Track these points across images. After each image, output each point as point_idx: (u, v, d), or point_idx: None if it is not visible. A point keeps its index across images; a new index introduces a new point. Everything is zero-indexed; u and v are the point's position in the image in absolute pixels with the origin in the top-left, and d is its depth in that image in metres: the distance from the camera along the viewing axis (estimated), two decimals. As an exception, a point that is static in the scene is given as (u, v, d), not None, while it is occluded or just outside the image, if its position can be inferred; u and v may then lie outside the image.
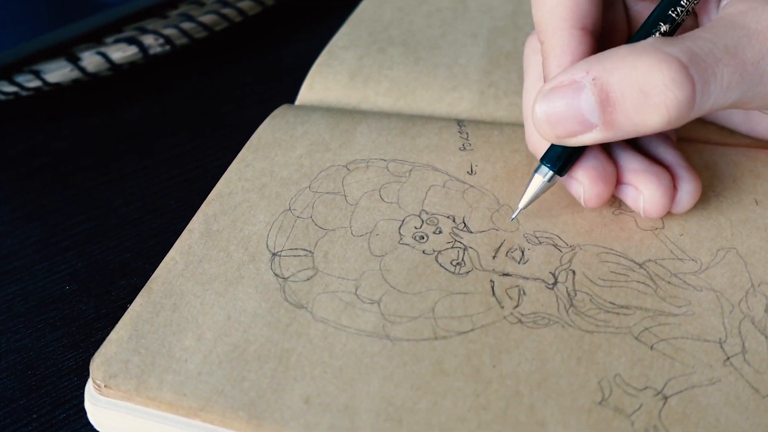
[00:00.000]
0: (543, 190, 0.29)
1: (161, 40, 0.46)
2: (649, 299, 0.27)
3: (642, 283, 0.28)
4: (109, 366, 0.26)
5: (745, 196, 0.31)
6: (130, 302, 0.33)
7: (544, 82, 0.29)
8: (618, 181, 0.29)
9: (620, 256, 0.29)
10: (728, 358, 0.25)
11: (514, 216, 0.30)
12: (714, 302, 0.27)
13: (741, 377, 0.25)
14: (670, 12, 0.28)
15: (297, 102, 0.42)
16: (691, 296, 0.28)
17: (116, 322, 0.32)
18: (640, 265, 0.29)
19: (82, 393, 0.28)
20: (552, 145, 0.29)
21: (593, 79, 0.25)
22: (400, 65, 0.42)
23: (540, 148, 0.30)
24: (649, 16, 0.28)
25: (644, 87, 0.25)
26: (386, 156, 0.34)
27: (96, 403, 0.27)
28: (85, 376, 0.30)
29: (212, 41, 0.50)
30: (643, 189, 0.29)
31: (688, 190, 0.29)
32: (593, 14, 0.29)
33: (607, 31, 0.31)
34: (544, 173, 0.29)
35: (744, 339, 0.26)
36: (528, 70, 0.32)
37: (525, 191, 0.30)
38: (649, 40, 0.26)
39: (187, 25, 0.47)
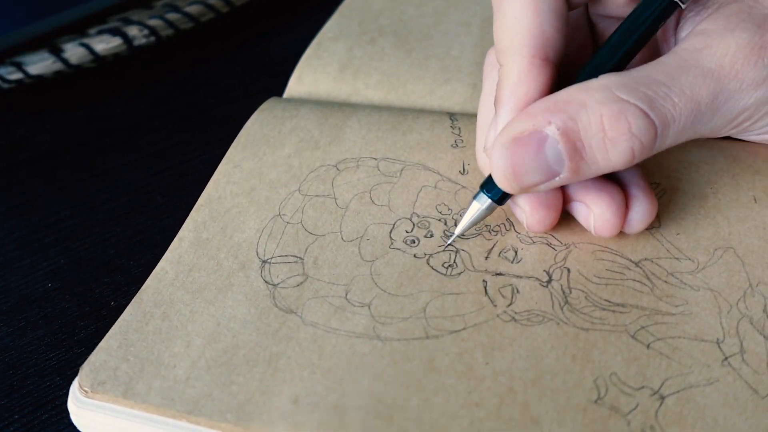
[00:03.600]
0: (482, 217, 0.29)
1: (146, 32, 0.46)
2: (646, 298, 0.27)
3: (638, 281, 0.28)
4: (98, 374, 0.27)
5: (744, 193, 0.31)
6: (115, 300, 0.33)
7: (495, 105, 0.28)
8: (569, 198, 0.29)
9: (616, 254, 0.29)
10: (726, 358, 0.25)
11: (449, 243, 0.30)
12: (711, 302, 0.27)
13: (739, 377, 0.25)
14: (626, 40, 0.27)
15: (285, 95, 0.41)
16: (688, 295, 0.27)
17: (100, 320, 0.32)
18: (636, 264, 0.28)
19: (65, 393, 0.28)
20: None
21: (558, 129, 0.25)
22: (391, 57, 0.41)
23: (487, 166, 0.29)
24: (602, 46, 0.28)
25: (611, 135, 0.25)
26: (377, 154, 0.34)
27: (79, 404, 0.27)
28: (68, 375, 0.30)
29: (198, 32, 0.50)
30: (593, 207, 0.28)
31: (640, 210, 0.28)
32: (557, 43, 0.27)
33: (569, 51, 0.30)
34: (483, 201, 0.29)
35: (742, 339, 0.26)
36: (485, 83, 0.32)
37: (462, 217, 0.29)
38: (603, 80, 0.25)
39: (172, 16, 0.47)
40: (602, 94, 0.25)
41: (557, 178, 0.26)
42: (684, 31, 0.28)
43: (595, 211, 0.28)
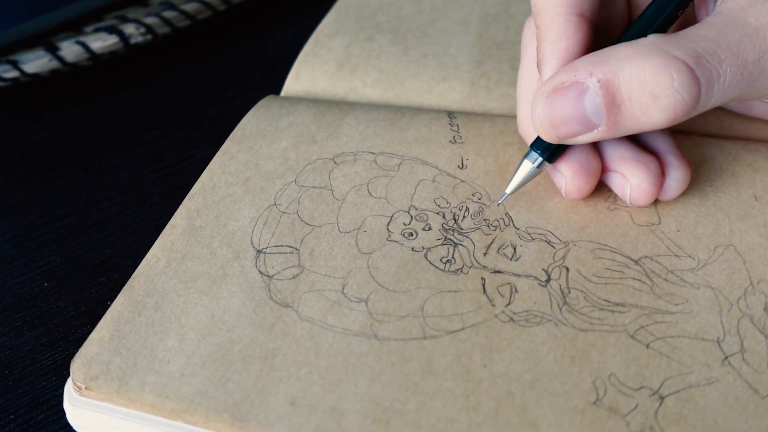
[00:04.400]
0: (531, 177, 0.29)
1: (142, 29, 0.46)
2: (645, 297, 0.27)
3: (638, 280, 0.28)
4: (90, 367, 0.26)
5: (744, 191, 0.30)
6: (111, 299, 0.32)
7: (538, 66, 0.29)
8: (605, 168, 0.29)
9: (615, 252, 0.29)
10: (726, 358, 0.25)
11: (500, 200, 0.30)
12: (712, 300, 0.27)
13: (739, 377, 0.24)
14: (668, 5, 0.28)
15: (283, 93, 0.41)
16: (688, 294, 0.27)
17: (96, 320, 0.31)
18: (636, 262, 0.28)
19: (61, 393, 0.28)
20: None
21: (598, 81, 0.25)
22: (389, 54, 0.41)
23: (531, 133, 0.30)
24: (648, 7, 0.28)
25: (653, 89, 0.25)
26: (374, 149, 0.34)
27: (75, 404, 0.26)
28: (64, 375, 0.30)
29: (195, 30, 0.50)
30: (630, 177, 0.28)
31: (676, 177, 0.29)
32: (591, 1, 0.28)
33: (606, 18, 0.31)
34: (534, 159, 0.29)
35: (743, 338, 0.25)
36: (524, 53, 0.32)
37: (513, 176, 0.30)
38: (651, 38, 0.26)
39: (169, 14, 0.46)
40: (648, 48, 0.25)
41: (595, 131, 0.26)
42: None
43: (632, 182, 0.28)
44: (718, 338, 0.26)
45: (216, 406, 0.25)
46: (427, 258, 0.29)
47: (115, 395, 0.25)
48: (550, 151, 0.29)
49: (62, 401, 0.27)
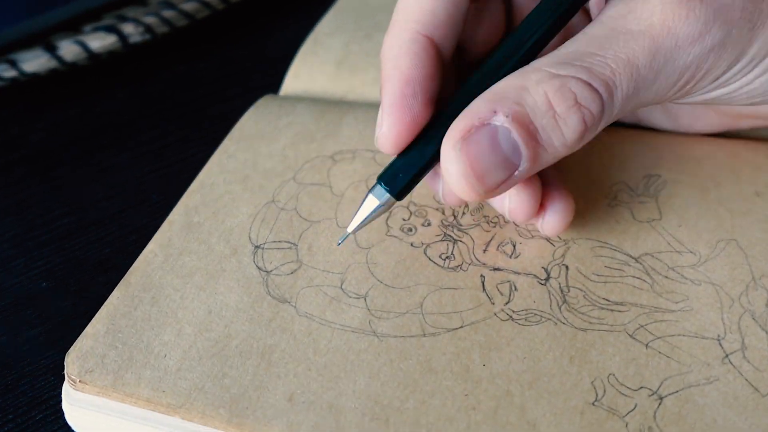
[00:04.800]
0: (378, 214, 0.26)
1: (141, 29, 0.45)
2: (645, 295, 0.27)
3: (638, 278, 0.27)
4: (85, 361, 0.26)
5: (746, 188, 0.30)
6: (109, 299, 0.32)
7: (381, 83, 0.26)
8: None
9: (615, 250, 0.28)
10: (727, 356, 0.25)
11: (341, 241, 0.28)
12: (713, 296, 0.27)
13: (740, 375, 0.24)
14: (545, 22, 0.26)
15: (281, 92, 0.41)
16: (689, 291, 0.27)
17: (95, 319, 0.31)
18: (636, 259, 0.28)
19: (60, 393, 0.28)
20: (393, 161, 0.26)
21: (506, 117, 0.24)
22: (388, 54, 0.41)
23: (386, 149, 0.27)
24: (524, 21, 0.26)
25: (559, 110, 0.24)
26: (373, 147, 0.34)
27: (74, 404, 0.26)
28: (62, 375, 0.30)
29: (194, 29, 0.50)
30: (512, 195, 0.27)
31: (556, 210, 0.28)
32: (446, 30, 0.27)
33: (478, 27, 0.29)
34: (381, 195, 0.26)
35: (744, 335, 0.25)
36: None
37: (356, 212, 0.27)
38: (536, 64, 0.25)
39: (168, 13, 0.46)
40: (538, 75, 0.24)
41: (517, 172, 0.24)
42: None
43: (511, 197, 0.27)
44: (719, 336, 0.25)
45: (213, 402, 0.25)
46: (426, 254, 0.29)
47: (110, 389, 0.25)
48: (401, 186, 0.26)
49: (61, 401, 0.27)
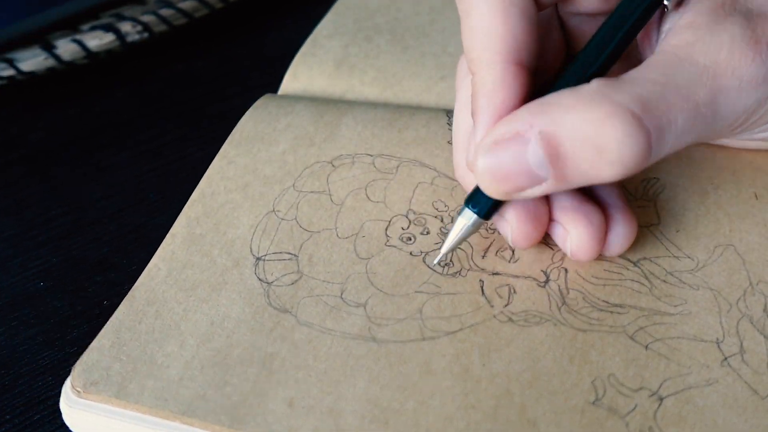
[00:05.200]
0: (469, 234, 0.27)
1: (139, 27, 0.45)
2: (644, 298, 0.27)
3: (636, 281, 0.27)
4: (90, 373, 0.26)
5: (745, 190, 0.30)
6: (108, 299, 0.32)
7: (473, 117, 0.27)
8: (549, 218, 0.27)
9: None
10: (726, 359, 0.25)
11: (436, 261, 0.29)
12: (711, 301, 0.27)
13: (739, 378, 0.24)
14: (610, 42, 0.26)
15: (280, 92, 0.41)
16: (687, 295, 0.27)
17: (92, 319, 0.32)
18: (635, 264, 0.28)
19: (57, 393, 0.28)
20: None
21: (539, 133, 0.23)
22: (387, 54, 0.41)
23: (468, 179, 0.28)
24: (587, 44, 0.26)
25: (597, 142, 0.23)
26: (372, 151, 0.34)
27: (72, 405, 0.26)
28: (60, 375, 0.30)
29: (192, 28, 0.49)
30: (571, 229, 0.27)
31: (619, 233, 0.27)
32: (529, 46, 0.26)
33: (542, 53, 0.28)
34: (469, 217, 0.27)
35: (742, 339, 0.25)
36: (459, 94, 0.30)
37: (448, 235, 0.28)
38: (594, 84, 0.24)
39: (166, 12, 0.46)
40: (591, 97, 0.23)
41: (543, 185, 0.24)
42: (666, 25, 0.26)
43: (571, 234, 0.27)
44: (717, 339, 0.25)
45: (214, 410, 0.25)
46: (425, 262, 0.29)
47: (113, 399, 0.26)
48: (487, 208, 0.27)
49: (59, 401, 0.27)
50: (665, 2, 0.25)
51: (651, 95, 0.23)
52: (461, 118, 0.29)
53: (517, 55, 0.26)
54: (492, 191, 0.25)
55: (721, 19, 0.24)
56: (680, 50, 0.24)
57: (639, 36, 0.28)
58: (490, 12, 0.26)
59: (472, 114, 0.26)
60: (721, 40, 0.24)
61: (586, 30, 0.29)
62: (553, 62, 0.30)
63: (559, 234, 0.27)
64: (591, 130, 0.23)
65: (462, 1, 0.27)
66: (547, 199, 0.27)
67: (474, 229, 0.27)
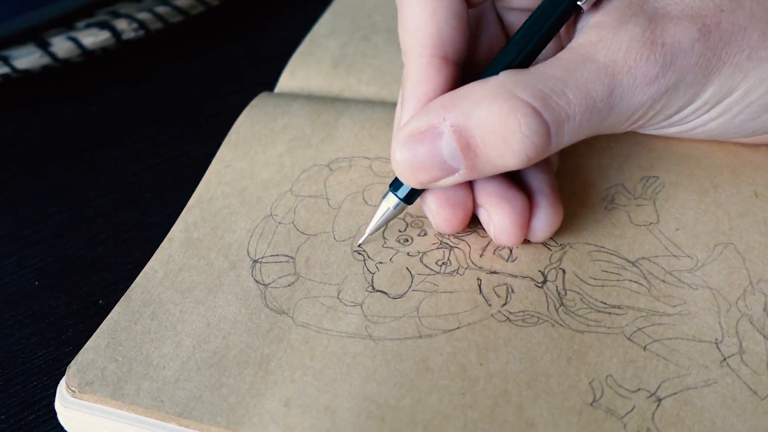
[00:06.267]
0: (391, 217, 0.29)
1: (135, 25, 0.45)
2: (643, 298, 0.27)
3: (635, 282, 0.27)
4: (85, 373, 0.26)
5: (745, 188, 0.30)
6: (103, 298, 0.32)
7: (401, 107, 0.28)
8: (475, 202, 0.28)
9: (612, 254, 0.28)
10: (725, 359, 0.25)
11: (360, 243, 0.30)
12: (710, 301, 0.27)
13: (738, 378, 0.24)
14: (529, 39, 0.27)
15: (277, 90, 0.41)
16: (686, 295, 0.27)
17: (88, 319, 0.31)
18: (633, 263, 0.28)
19: (52, 393, 0.28)
20: None
21: (451, 126, 0.25)
22: (384, 53, 0.41)
23: None
24: (510, 40, 0.28)
25: (503, 135, 0.25)
26: (369, 153, 0.34)
27: (67, 405, 0.26)
28: (55, 375, 0.30)
29: (188, 26, 0.49)
30: (493, 214, 0.28)
31: (542, 219, 0.28)
32: (456, 42, 0.28)
33: (478, 46, 0.30)
34: (392, 201, 0.29)
35: (741, 339, 0.25)
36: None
37: (372, 217, 0.29)
38: (501, 76, 0.25)
39: (161, 9, 0.46)
40: (497, 90, 0.25)
41: (456, 175, 0.26)
42: (581, 23, 0.28)
43: (493, 219, 0.28)
44: (717, 339, 0.25)
45: (210, 410, 0.25)
46: (422, 262, 0.29)
47: (109, 400, 0.26)
48: (408, 192, 0.28)
49: (53, 401, 0.27)
50: (579, 3, 0.27)
51: (551, 90, 0.25)
52: (398, 110, 0.30)
53: (442, 49, 0.27)
54: (409, 181, 0.27)
55: (626, 20, 0.26)
56: (584, 48, 0.26)
57: (562, 33, 0.30)
58: (420, 8, 0.27)
59: (400, 103, 0.28)
60: (621, 39, 0.26)
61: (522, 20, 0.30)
62: (491, 55, 0.31)
63: (483, 218, 0.29)
64: (497, 123, 0.25)
65: None
66: (470, 184, 0.28)
67: (397, 212, 0.29)
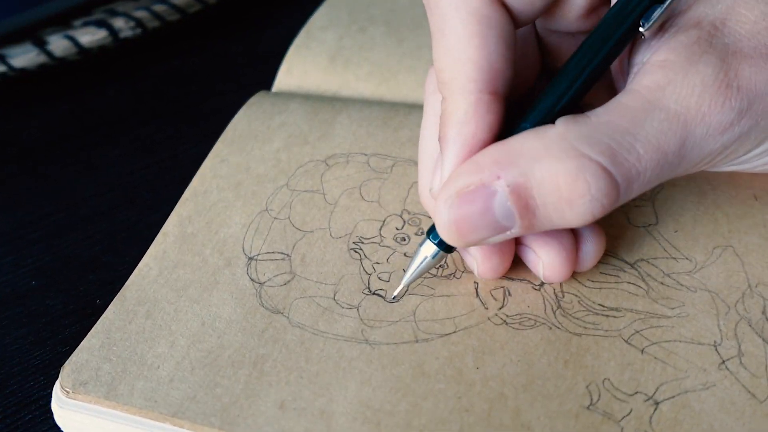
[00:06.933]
0: (431, 266, 0.27)
1: (132, 23, 0.45)
2: (641, 301, 0.27)
3: (633, 284, 0.27)
4: (79, 373, 0.26)
5: (743, 191, 0.30)
6: (100, 298, 0.32)
7: (440, 144, 0.25)
8: (518, 242, 0.27)
9: (610, 255, 0.28)
10: (723, 362, 0.25)
11: (395, 294, 0.28)
12: (709, 303, 0.26)
13: (737, 381, 0.24)
14: (581, 72, 0.24)
15: (274, 88, 0.40)
16: (684, 297, 0.27)
17: (85, 318, 0.31)
18: (632, 265, 0.28)
19: (49, 393, 0.27)
20: None
21: (508, 186, 0.23)
22: (382, 47, 0.41)
23: (432, 205, 0.27)
24: (560, 73, 0.25)
25: (568, 196, 0.23)
26: (367, 150, 0.33)
27: (63, 405, 0.26)
28: (52, 375, 0.30)
29: (186, 24, 0.49)
30: (542, 255, 0.26)
31: (589, 250, 0.27)
32: (506, 74, 0.24)
33: (519, 69, 0.27)
34: (430, 250, 0.27)
35: (740, 342, 0.25)
36: (427, 109, 0.28)
37: (409, 266, 0.27)
38: (560, 127, 0.23)
39: (159, 7, 0.46)
40: (559, 146, 0.22)
41: (508, 233, 0.24)
42: (639, 56, 0.25)
43: (544, 259, 0.26)
44: (715, 342, 0.25)
45: (204, 411, 0.25)
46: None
47: (103, 400, 0.25)
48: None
49: (50, 401, 0.27)
50: (641, 29, 0.24)
51: (620, 146, 0.23)
52: (428, 139, 0.28)
53: (493, 85, 0.24)
54: (455, 242, 0.25)
55: (695, 59, 0.24)
56: (651, 93, 0.23)
57: (613, 66, 0.27)
58: (467, 34, 0.24)
59: (440, 140, 0.25)
60: (693, 83, 0.23)
61: (564, 48, 0.28)
62: (527, 79, 0.28)
63: (530, 259, 0.27)
64: (562, 184, 0.22)
65: (434, 15, 0.25)
66: None
67: (436, 261, 0.27)
